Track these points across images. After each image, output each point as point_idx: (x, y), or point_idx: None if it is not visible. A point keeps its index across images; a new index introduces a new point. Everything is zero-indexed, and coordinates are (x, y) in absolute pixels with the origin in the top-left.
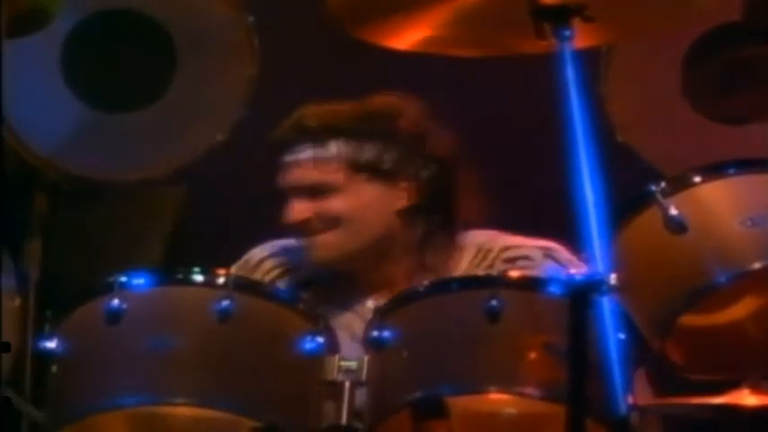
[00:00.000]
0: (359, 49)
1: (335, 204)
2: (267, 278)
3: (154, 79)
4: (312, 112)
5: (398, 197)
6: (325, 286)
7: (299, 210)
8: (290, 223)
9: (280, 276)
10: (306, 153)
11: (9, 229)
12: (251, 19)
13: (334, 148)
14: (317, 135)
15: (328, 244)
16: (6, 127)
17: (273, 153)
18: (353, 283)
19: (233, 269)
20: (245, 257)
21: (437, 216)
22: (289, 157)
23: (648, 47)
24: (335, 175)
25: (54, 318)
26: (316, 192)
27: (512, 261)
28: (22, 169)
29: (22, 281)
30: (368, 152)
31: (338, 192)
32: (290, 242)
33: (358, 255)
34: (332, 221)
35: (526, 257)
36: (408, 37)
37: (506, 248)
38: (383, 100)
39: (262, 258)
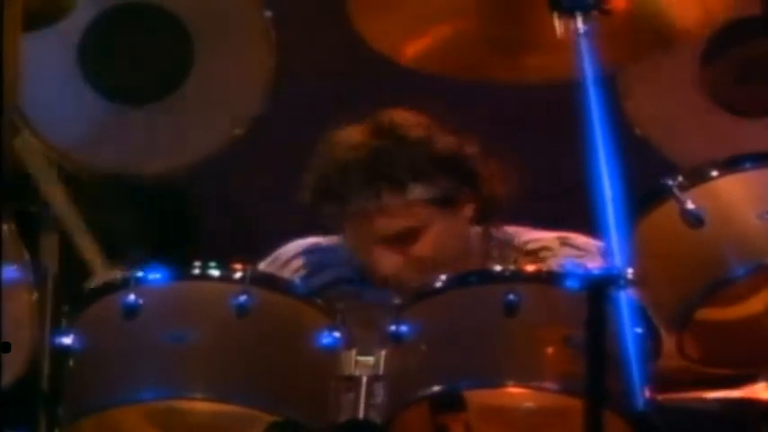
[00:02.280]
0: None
1: (422, 248)
2: (295, 277)
3: (171, 72)
4: (369, 154)
5: (464, 214)
6: (355, 285)
7: (389, 261)
8: (382, 276)
9: (308, 276)
10: (388, 199)
11: (27, 222)
12: (268, 13)
13: (416, 189)
14: (395, 178)
15: (414, 281)
16: (24, 120)
17: (335, 197)
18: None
19: (262, 266)
20: (275, 255)
21: (491, 210)
22: (354, 206)
23: None
24: (417, 218)
25: (70, 313)
26: (403, 238)
27: (534, 253)
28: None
29: (40, 275)
30: (436, 184)
31: (422, 234)
32: (320, 240)
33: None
34: (422, 265)
35: (546, 248)
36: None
37: (527, 242)
38: (406, 122)
39: (290, 257)
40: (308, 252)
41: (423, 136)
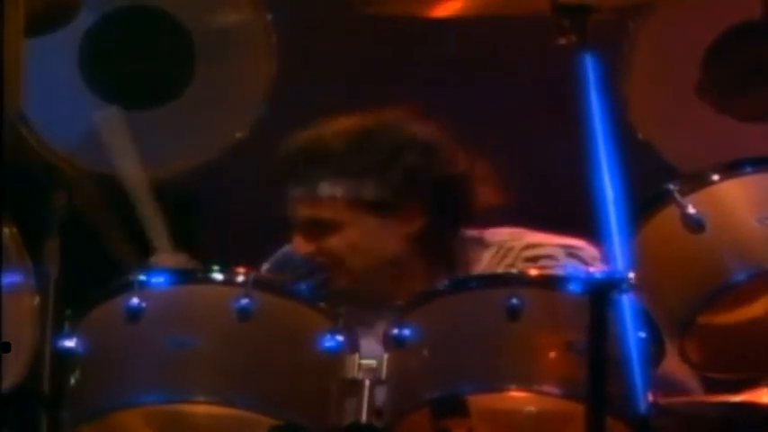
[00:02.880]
0: (377, 46)
1: (335, 243)
2: (295, 275)
3: (173, 77)
4: (313, 144)
5: (406, 223)
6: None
7: (301, 245)
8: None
9: (306, 275)
10: (305, 189)
11: (28, 227)
12: (269, 17)
13: (335, 186)
14: (318, 171)
15: (336, 278)
16: (25, 124)
17: (276, 181)
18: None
19: (265, 266)
20: (273, 258)
21: (452, 226)
22: (292, 190)
23: (668, 45)
24: (336, 213)
25: (73, 316)
26: (316, 227)
27: (533, 260)
28: (41, 167)
29: (42, 279)
30: (370, 188)
31: (340, 228)
32: None
33: (370, 280)
34: (334, 258)
35: (549, 256)
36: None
37: (528, 247)
38: (388, 120)
39: (286, 260)
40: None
41: (395, 138)
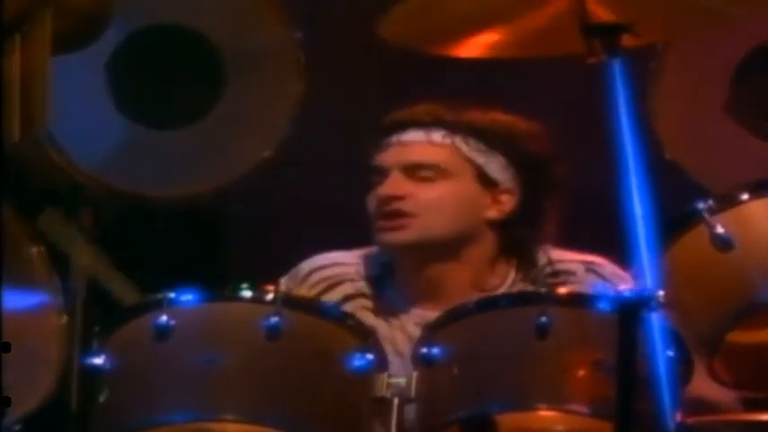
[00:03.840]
0: (405, 63)
1: (429, 192)
2: (313, 291)
3: (201, 95)
4: (451, 107)
5: (493, 206)
6: (370, 299)
7: (396, 185)
8: (378, 198)
9: (325, 290)
10: (424, 134)
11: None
12: (298, 36)
13: (462, 141)
14: (450, 124)
15: (409, 229)
16: (51, 142)
17: (389, 130)
18: (401, 294)
19: (282, 281)
20: (294, 271)
21: (520, 234)
22: (404, 137)
23: (696, 64)
24: (447, 161)
25: (102, 334)
26: (420, 171)
27: (554, 275)
28: (69, 185)
29: (70, 297)
30: (485, 157)
31: (441, 179)
32: (339, 255)
33: (430, 246)
34: (420, 208)
35: (568, 272)
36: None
37: (550, 263)
38: (511, 118)
39: (310, 271)
40: (324, 267)
41: (514, 129)
